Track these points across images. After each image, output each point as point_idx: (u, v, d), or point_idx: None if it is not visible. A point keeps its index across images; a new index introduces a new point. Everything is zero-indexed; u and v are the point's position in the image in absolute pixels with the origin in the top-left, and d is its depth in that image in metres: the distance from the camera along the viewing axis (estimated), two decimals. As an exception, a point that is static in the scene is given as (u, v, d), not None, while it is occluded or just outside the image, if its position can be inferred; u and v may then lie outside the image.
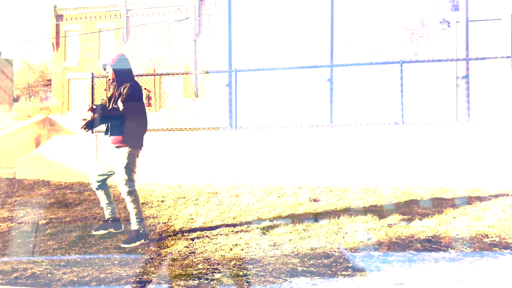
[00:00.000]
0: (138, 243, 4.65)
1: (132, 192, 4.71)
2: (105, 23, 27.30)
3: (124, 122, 4.74)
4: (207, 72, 9.34)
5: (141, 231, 4.72)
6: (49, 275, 3.71)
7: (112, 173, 4.97)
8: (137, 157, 4.90)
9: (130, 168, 4.74)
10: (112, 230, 5.07)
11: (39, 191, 7.41)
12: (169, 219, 5.73)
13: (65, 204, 6.67)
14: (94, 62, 27.15)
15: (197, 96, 22.19)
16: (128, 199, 4.72)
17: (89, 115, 4.58)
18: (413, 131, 7.09)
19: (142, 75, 13.85)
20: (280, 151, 7.44)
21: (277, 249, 4.34)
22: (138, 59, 26.56)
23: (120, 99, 4.74)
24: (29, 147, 10.55)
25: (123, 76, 4.90)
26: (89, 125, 4.59)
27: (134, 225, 4.73)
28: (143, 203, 6.51)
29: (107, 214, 5.08)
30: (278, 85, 10.64)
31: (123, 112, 4.72)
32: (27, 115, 19.73)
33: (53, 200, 6.89)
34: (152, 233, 5.09)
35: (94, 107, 4.63)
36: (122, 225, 5.17)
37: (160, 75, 10.71)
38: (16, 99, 42.23)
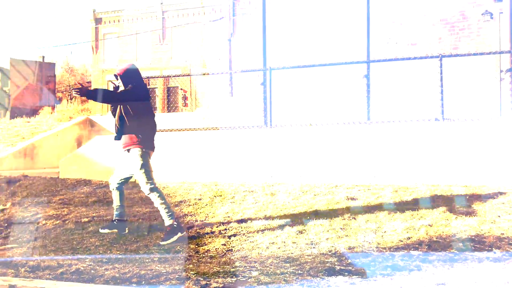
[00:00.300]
0: (175, 237, 4.68)
1: (154, 189, 4.83)
2: (142, 25, 27.88)
3: (133, 124, 4.94)
4: (242, 71, 9.38)
5: (175, 225, 4.75)
6: (92, 271, 3.83)
7: (130, 176, 5.14)
8: (150, 158, 5.06)
9: (145, 168, 4.90)
10: (115, 230, 5.15)
11: (81, 190, 7.65)
12: (206, 217, 5.80)
13: (106, 203, 6.86)
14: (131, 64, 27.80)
15: (232, 95, 22.33)
16: (153, 197, 4.81)
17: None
18: (454, 127, 6.89)
19: (178, 76, 14.07)
20: (315, 149, 7.39)
21: (314, 247, 4.31)
22: (174, 60, 27.00)
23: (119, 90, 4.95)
24: (71, 147, 10.92)
25: (132, 84, 5.05)
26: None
27: (167, 221, 4.78)
28: (181, 201, 6.62)
29: (115, 215, 5.21)
30: (313, 83, 10.57)
31: (131, 115, 4.93)
32: (68, 117, 20.40)
33: (94, 199, 7.10)
34: (190, 230, 5.16)
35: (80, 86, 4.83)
36: (127, 229, 5.23)
37: (196, 75, 10.86)
38: (58, 101, 43.79)
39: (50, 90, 42.05)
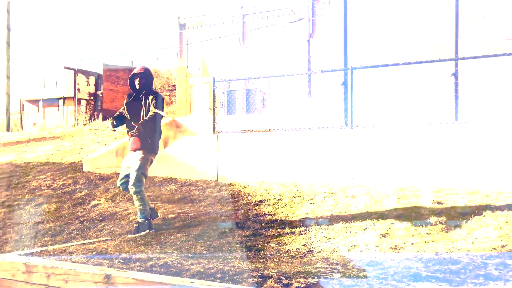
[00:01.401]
0: (143, 233, 5.44)
1: (138, 192, 5.44)
2: (223, 29, 28.68)
3: (147, 129, 5.51)
4: (322, 71, 9.31)
5: (145, 223, 5.51)
6: (179, 265, 4.01)
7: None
8: (151, 162, 5.62)
9: (141, 171, 5.43)
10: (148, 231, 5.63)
11: (168, 188, 8.04)
12: (286, 217, 5.84)
13: (191, 200, 7.15)
14: (213, 68, 28.67)
15: (311, 96, 22.24)
16: (134, 197, 5.49)
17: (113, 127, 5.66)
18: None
19: (258, 78, 14.27)
20: (399, 151, 7.13)
21: (398, 252, 4.17)
22: (253, 62, 27.45)
23: (152, 107, 5.46)
24: (159, 147, 11.52)
25: (148, 87, 5.61)
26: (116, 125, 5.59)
27: (139, 219, 5.55)
28: (260, 201, 6.72)
29: (145, 216, 5.71)
30: (396, 82, 10.21)
31: (147, 121, 5.47)
32: (155, 118, 21.46)
33: (180, 196, 7.43)
34: (270, 230, 5.23)
35: (115, 123, 5.60)
36: (158, 213, 5.94)
37: (274, 76, 10.96)
38: (145, 104, 46.23)
39: (138, 93, 44.41)
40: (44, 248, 4.88)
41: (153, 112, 5.44)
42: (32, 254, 4.53)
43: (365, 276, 3.56)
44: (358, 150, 7.42)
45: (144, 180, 5.53)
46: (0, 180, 9.54)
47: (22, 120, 43.10)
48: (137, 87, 5.56)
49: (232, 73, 27.14)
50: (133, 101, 5.63)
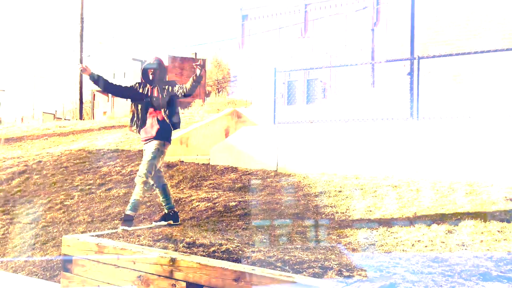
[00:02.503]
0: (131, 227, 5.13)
1: (145, 183, 5.18)
2: (285, 19, 28.56)
3: (168, 122, 5.32)
4: (386, 61, 9.04)
5: (133, 216, 5.23)
6: (240, 252, 4.10)
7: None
8: (164, 153, 5.34)
9: (152, 162, 5.17)
10: (171, 222, 5.40)
11: (229, 176, 8.19)
12: (347, 209, 5.77)
13: (251, 189, 7.25)
14: (273, 58, 28.65)
15: (374, 86, 21.65)
16: (138, 186, 5.19)
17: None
18: None
19: (319, 68, 14.09)
20: (468, 144, 6.79)
21: (466, 249, 4.00)
22: (314, 52, 27.14)
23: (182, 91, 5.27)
24: (220, 137, 11.75)
25: (162, 77, 5.42)
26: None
27: (128, 210, 5.18)
28: (321, 192, 6.68)
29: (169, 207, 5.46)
30: (467, 72, 9.70)
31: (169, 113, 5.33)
32: (216, 109, 21.93)
33: (240, 185, 7.55)
34: (331, 222, 5.19)
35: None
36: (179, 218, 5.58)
37: (336, 66, 10.78)
38: (207, 95, 47.36)
39: (201, 84, 45.54)
40: (114, 231, 5.16)
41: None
42: (103, 235, 4.80)
43: (429, 273, 3.45)
44: (424, 143, 7.15)
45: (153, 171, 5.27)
46: (74, 166, 10.16)
47: (93, 109, 45.59)
48: (151, 78, 5.37)
49: (293, 63, 27.01)
50: (144, 91, 5.40)
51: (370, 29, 24.63)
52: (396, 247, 4.20)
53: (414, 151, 7.21)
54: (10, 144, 14.55)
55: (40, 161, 10.78)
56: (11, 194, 8.95)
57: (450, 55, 7.62)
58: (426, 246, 4.14)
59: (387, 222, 5.06)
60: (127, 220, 5.13)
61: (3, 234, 7.20)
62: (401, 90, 9.52)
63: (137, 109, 5.37)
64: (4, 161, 11.31)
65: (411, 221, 5.01)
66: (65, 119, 39.94)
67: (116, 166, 9.60)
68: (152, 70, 5.34)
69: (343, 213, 5.60)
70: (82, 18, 23.80)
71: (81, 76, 24.46)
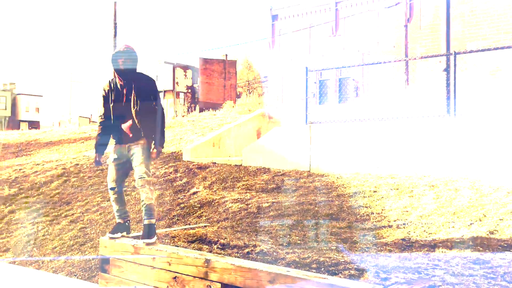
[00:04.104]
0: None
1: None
2: (315, 18, 28.36)
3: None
4: (421, 57, 8.81)
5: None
6: (274, 254, 4.07)
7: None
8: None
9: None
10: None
11: (261, 177, 8.18)
12: (382, 210, 5.65)
13: (284, 190, 7.22)
14: (304, 57, 28.50)
15: (408, 84, 21.18)
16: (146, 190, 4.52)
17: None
18: None
19: (351, 66, 13.86)
20: (508, 142, 6.54)
21: (509, 250, 3.85)
22: (346, 50, 26.83)
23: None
24: (252, 137, 11.76)
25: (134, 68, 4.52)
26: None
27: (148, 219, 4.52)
28: (355, 192, 6.57)
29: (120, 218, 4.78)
30: (505, 67, 9.35)
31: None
32: (247, 110, 21.97)
33: (273, 186, 7.52)
34: (366, 222, 5.10)
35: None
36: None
37: (368, 64, 10.60)
38: (238, 96, 47.62)
39: (231, 85, 45.95)
40: (149, 232, 5.22)
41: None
42: (138, 237, 4.87)
43: (470, 275, 3.33)
44: (462, 140, 6.93)
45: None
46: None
47: (127, 113, 46.48)
48: (121, 68, 4.43)
49: (324, 62, 26.78)
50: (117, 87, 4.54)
51: (403, 25, 24.12)
52: (436, 248, 4.08)
53: (451, 150, 7.00)
54: (49, 148, 15.03)
55: (77, 164, 11.07)
56: (50, 196, 9.23)
57: (488, 49, 7.36)
58: (466, 248, 4.00)
59: (424, 223, 4.93)
60: (153, 231, 4.49)
61: (43, 235, 7.43)
62: (437, 87, 9.27)
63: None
64: (43, 165, 11.68)
65: (450, 221, 4.86)
66: (100, 122, 40.87)
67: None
68: (122, 59, 4.44)
69: (378, 213, 5.49)
70: (115, 24, 24.34)
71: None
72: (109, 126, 4.55)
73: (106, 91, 4.57)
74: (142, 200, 4.54)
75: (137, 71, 4.57)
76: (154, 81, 4.68)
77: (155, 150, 4.59)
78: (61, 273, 5.96)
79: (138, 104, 4.44)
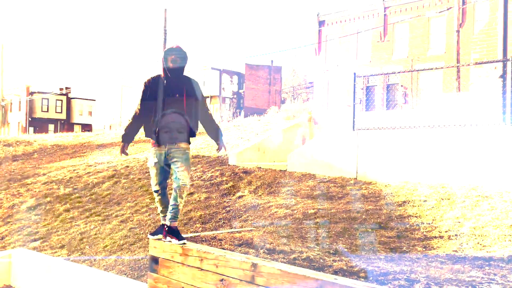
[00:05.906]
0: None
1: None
2: (363, 23, 27.99)
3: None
4: (476, 63, 8.49)
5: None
6: (321, 260, 4.04)
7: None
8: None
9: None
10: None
11: (306, 183, 8.14)
12: (433, 220, 5.48)
13: (330, 197, 7.15)
14: (351, 63, 28.16)
15: (460, 91, 20.46)
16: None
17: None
18: None
19: (400, 72, 13.57)
20: None
21: None
22: (394, 56, 26.29)
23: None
24: (297, 143, 11.75)
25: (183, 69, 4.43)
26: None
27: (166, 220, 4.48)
28: (404, 202, 6.42)
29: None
30: None
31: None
32: (292, 115, 21.94)
33: (318, 192, 7.47)
34: (416, 232, 4.97)
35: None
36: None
37: (418, 70, 10.34)
38: (283, 101, 47.65)
39: (276, 91, 46.06)
40: (196, 234, 5.33)
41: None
42: (186, 238, 4.96)
43: (530, 292, 3.17)
44: (519, 150, 6.62)
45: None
46: (158, 171, 10.67)
47: (174, 117, 47.59)
48: (171, 65, 4.34)
49: (372, 68, 26.34)
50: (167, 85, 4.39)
51: (455, 30, 23.38)
52: (490, 261, 3.91)
53: (506, 160, 6.69)
54: (100, 150, 15.62)
55: (127, 166, 11.44)
56: (102, 196, 9.58)
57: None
58: (525, 263, 3.81)
59: (478, 234, 4.74)
60: (178, 231, 4.46)
61: (95, 234, 7.72)
62: (491, 94, 8.92)
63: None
64: (95, 166, 12.16)
65: (506, 234, 4.65)
66: (149, 126, 42.09)
67: (197, 172, 9.93)
68: (173, 57, 4.35)
69: (429, 223, 5.33)
70: (165, 30, 25.02)
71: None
72: (143, 121, 4.50)
73: (149, 86, 4.41)
74: (176, 204, 4.46)
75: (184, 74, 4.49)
76: (198, 83, 4.62)
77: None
78: (112, 271, 6.17)
79: (189, 102, 4.35)
